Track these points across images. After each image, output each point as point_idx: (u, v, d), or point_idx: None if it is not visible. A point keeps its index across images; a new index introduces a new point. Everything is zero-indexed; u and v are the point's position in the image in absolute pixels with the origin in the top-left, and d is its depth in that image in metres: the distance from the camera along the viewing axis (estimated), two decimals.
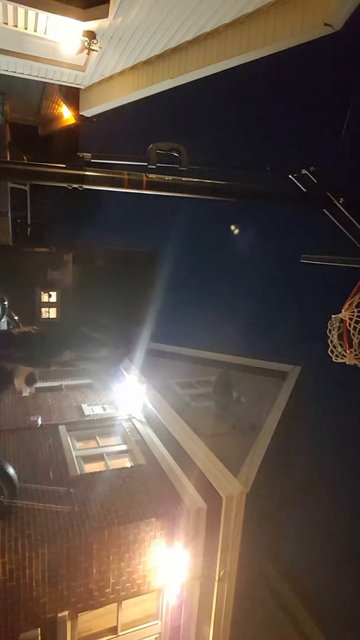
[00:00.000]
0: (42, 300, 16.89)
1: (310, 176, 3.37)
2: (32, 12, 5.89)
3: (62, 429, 7.27)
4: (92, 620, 5.42)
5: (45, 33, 6.57)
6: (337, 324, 3.22)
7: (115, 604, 5.48)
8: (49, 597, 4.95)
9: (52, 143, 15.96)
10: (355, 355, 3.17)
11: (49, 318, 17.13)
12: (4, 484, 5.08)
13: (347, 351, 3.21)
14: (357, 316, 3.15)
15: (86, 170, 2.93)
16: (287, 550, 12.01)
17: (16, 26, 6.45)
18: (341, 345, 3.26)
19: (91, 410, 8.10)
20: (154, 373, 10.21)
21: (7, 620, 4.78)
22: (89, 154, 2.96)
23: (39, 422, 7.25)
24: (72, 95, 10.78)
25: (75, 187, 2.97)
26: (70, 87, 9.48)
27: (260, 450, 7.87)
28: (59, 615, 5.04)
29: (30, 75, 8.79)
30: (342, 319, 3.21)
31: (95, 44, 6.24)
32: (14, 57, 7.68)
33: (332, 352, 3.34)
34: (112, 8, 5.55)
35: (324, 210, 3.42)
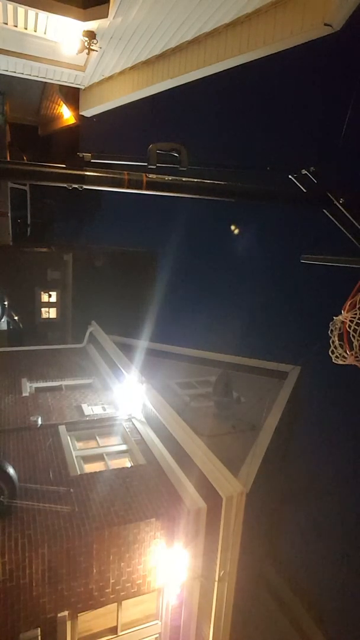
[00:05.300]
0: (42, 300, 16.90)
1: (310, 176, 3.37)
2: (32, 12, 5.91)
3: (62, 429, 7.27)
4: (92, 620, 5.41)
5: (45, 33, 6.58)
6: (339, 324, 3.22)
7: (115, 604, 5.48)
8: (49, 597, 4.95)
9: (52, 143, 15.98)
10: (356, 357, 3.16)
11: (49, 318, 17.15)
12: (4, 484, 5.08)
13: (348, 353, 3.20)
14: (358, 318, 3.14)
15: (86, 170, 2.93)
16: (287, 550, 12.02)
17: (16, 26, 6.46)
18: (341, 346, 3.25)
19: (91, 410, 8.10)
20: (154, 373, 10.22)
21: (7, 620, 4.78)
22: (89, 154, 2.96)
23: (39, 422, 7.26)
24: (72, 95, 10.80)
25: (75, 187, 2.96)
26: (70, 87, 9.50)
27: (260, 450, 7.87)
28: (59, 615, 5.03)
29: (30, 75, 8.80)
30: (342, 320, 3.20)
31: (95, 44, 6.26)
32: (14, 57, 7.70)
33: (332, 352, 3.33)
34: (112, 8, 5.55)
35: (324, 210, 3.41)
